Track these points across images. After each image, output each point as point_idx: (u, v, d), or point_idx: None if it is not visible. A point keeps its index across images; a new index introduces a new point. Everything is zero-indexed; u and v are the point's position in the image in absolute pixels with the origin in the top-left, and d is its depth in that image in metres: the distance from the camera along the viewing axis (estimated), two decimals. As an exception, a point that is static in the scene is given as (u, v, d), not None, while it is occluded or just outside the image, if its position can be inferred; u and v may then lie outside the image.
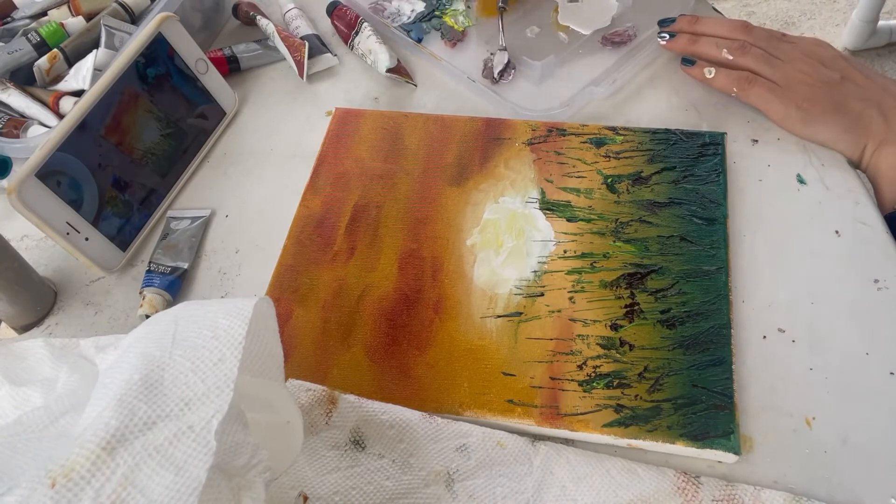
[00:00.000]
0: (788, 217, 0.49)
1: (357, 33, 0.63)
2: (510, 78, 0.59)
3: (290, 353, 0.45)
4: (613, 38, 0.61)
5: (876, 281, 0.45)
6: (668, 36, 0.58)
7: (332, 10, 0.66)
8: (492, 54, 0.60)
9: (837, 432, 0.40)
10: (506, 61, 0.59)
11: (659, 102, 0.57)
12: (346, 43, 0.64)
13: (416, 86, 0.61)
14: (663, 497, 0.38)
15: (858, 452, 0.40)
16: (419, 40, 0.62)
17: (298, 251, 0.50)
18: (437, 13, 0.64)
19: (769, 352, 0.43)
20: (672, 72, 0.59)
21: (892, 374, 0.42)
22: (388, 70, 0.60)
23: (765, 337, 0.44)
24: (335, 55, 0.64)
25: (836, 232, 0.48)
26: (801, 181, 0.51)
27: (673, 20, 0.59)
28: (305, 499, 0.39)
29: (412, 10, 0.65)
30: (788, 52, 0.54)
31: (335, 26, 0.66)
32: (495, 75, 0.58)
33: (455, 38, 0.62)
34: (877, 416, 0.41)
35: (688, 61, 0.57)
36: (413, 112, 0.57)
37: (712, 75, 0.55)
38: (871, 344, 0.43)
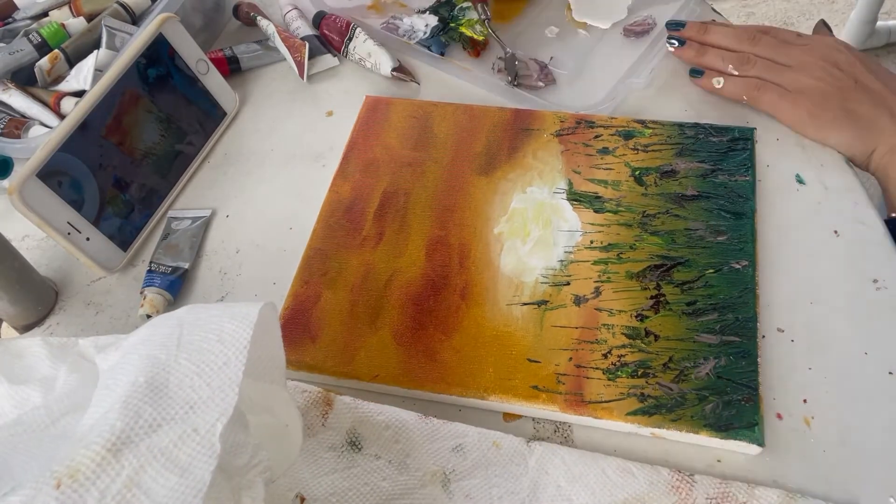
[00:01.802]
0: (787, 217, 0.49)
1: (350, 39, 0.63)
2: (546, 81, 0.59)
3: (319, 335, 0.45)
4: (635, 29, 0.61)
5: (875, 281, 0.46)
6: (676, 42, 0.58)
7: (319, 21, 0.66)
8: (499, 58, 0.61)
9: (836, 432, 0.40)
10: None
11: (664, 101, 0.58)
12: (338, 51, 0.64)
13: (418, 84, 0.61)
14: (658, 496, 0.38)
15: (857, 452, 0.40)
16: (442, 54, 0.62)
17: (328, 235, 0.50)
18: (452, 25, 0.64)
19: (768, 351, 0.44)
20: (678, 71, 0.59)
21: (890, 373, 0.42)
22: (394, 70, 0.61)
23: (764, 336, 0.44)
24: (335, 55, 0.64)
25: (835, 232, 0.48)
26: (800, 181, 0.51)
27: (682, 24, 0.59)
28: (303, 500, 0.39)
29: (426, 25, 0.64)
30: (800, 56, 0.54)
31: (324, 35, 0.65)
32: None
33: (477, 47, 0.62)
34: (876, 415, 0.41)
35: (696, 72, 0.57)
36: (442, 101, 0.57)
37: (721, 85, 0.55)
38: (870, 344, 0.43)
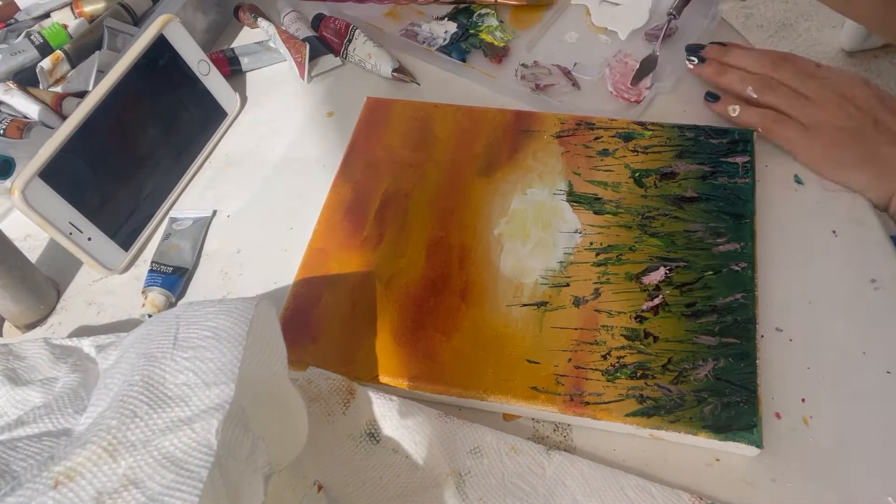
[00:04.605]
0: (786, 217, 0.49)
1: (350, 41, 0.63)
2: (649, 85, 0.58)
3: (319, 336, 0.46)
4: (656, 33, 0.61)
5: (873, 280, 0.46)
6: (696, 60, 0.56)
7: (318, 23, 0.66)
8: (522, 64, 0.60)
9: (835, 431, 0.41)
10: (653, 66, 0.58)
11: (667, 103, 0.58)
12: (337, 53, 0.64)
13: (419, 84, 0.62)
14: None
15: (856, 451, 0.40)
16: (464, 60, 0.62)
17: (329, 236, 0.50)
18: (472, 31, 0.64)
19: (766, 351, 0.44)
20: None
21: (888, 373, 0.42)
22: (395, 71, 0.61)
23: (762, 336, 0.44)
24: (337, 56, 0.64)
25: (833, 232, 0.48)
26: (799, 181, 0.51)
27: (702, 47, 0.57)
28: (320, 487, 0.39)
29: (446, 32, 0.64)
30: (819, 90, 0.52)
31: (323, 37, 0.65)
32: (640, 83, 0.58)
33: (499, 53, 0.62)
34: (874, 414, 0.41)
35: (712, 96, 0.55)
36: (443, 103, 0.57)
37: (736, 113, 0.53)
38: (868, 343, 0.43)
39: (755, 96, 0.53)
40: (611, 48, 0.61)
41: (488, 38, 0.63)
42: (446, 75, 0.63)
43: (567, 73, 0.59)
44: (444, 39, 0.63)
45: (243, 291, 0.51)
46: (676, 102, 0.57)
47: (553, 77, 0.59)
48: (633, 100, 0.57)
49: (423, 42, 0.63)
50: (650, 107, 0.57)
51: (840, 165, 0.50)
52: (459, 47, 0.63)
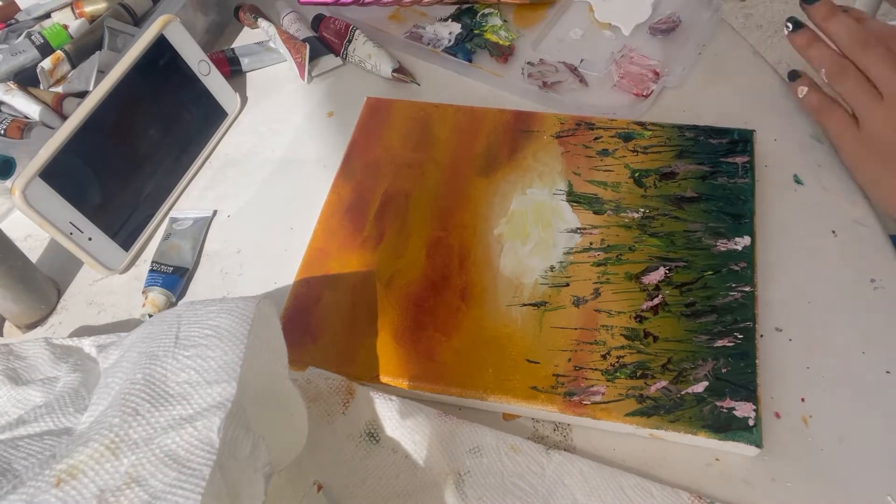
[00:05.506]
0: (785, 217, 0.49)
1: (350, 41, 0.63)
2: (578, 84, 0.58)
3: (319, 336, 0.46)
4: (661, 27, 0.61)
5: (872, 280, 0.46)
6: (791, 26, 0.51)
7: (318, 24, 0.66)
8: (528, 63, 0.59)
9: (834, 430, 0.41)
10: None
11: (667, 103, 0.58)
12: (337, 53, 0.64)
13: (419, 84, 0.62)
14: None
15: (855, 451, 0.40)
16: (469, 61, 0.62)
17: (329, 235, 0.50)
18: (476, 32, 0.64)
19: (766, 351, 0.44)
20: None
21: (888, 372, 0.42)
22: (395, 71, 0.61)
23: (762, 336, 0.44)
24: (337, 56, 0.64)
25: (833, 232, 0.48)
26: (798, 181, 0.51)
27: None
28: (320, 487, 0.39)
29: (450, 33, 0.64)
30: None
31: (323, 37, 0.65)
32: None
33: (504, 52, 0.62)
34: (873, 414, 0.41)
35: (794, 76, 0.51)
36: (443, 103, 0.57)
37: (803, 95, 0.51)
38: (868, 343, 0.43)
39: (825, 80, 0.48)
40: (615, 43, 0.61)
41: (493, 38, 0.63)
42: (446, 75, 0.63)
43: (573, 69, 0.60)
44: (449, 41, 0.63)
45: (243, 291, 0.51)
46: (684, 98, 0.57)
47: (560, 74, 0.59)
48: (640, 94, 0.57)
49: (429, 44, 0.63)
50: (658, 102, 0.57)
51: (885, 191, 0.46)
52: (465, 48, 0.63)
